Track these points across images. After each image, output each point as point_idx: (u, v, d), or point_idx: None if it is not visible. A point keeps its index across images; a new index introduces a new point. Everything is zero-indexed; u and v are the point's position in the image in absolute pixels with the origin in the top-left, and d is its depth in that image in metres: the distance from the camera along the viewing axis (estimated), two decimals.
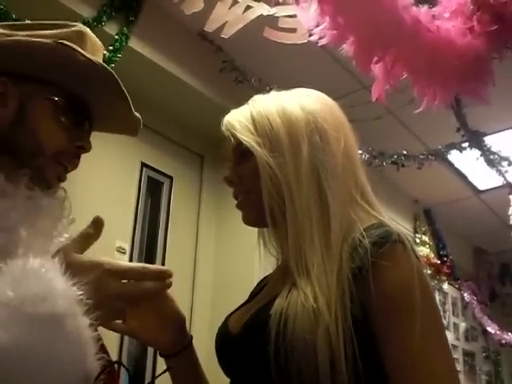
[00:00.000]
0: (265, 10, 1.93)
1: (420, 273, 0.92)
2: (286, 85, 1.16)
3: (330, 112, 1.08)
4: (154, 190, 3.14)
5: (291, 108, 1.06)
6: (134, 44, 2.66)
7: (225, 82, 3.01)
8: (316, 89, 1.14)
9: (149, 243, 3.04)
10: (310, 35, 1.67)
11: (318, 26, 1.63)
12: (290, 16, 1.83)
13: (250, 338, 0.97)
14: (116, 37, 2.54)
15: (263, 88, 2.59)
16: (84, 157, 1.09)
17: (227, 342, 1.06)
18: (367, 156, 3.21)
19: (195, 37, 2.92)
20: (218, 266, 3.30)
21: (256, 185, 1.04)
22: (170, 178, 3.23)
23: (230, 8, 1.91)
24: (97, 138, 1.11)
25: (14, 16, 2.21)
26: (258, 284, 1.24)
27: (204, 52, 2.98)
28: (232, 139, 1.08)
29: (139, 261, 2.92)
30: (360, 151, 1.13)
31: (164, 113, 3.11)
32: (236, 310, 1.14)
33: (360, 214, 1.01)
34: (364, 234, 0.94)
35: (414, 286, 0.89)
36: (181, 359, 1.11)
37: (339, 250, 0.95)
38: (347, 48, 1.62)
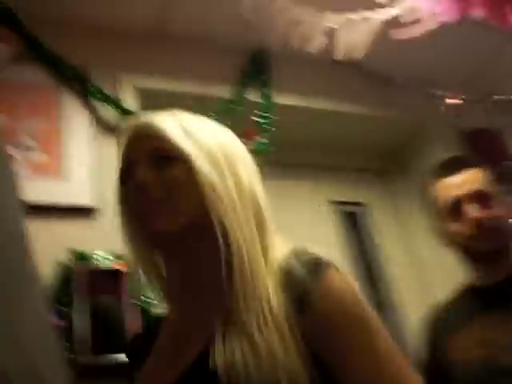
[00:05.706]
0: (387, 14, 1.90)
1: (357, 294, 0.93)
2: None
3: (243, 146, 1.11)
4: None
5: (219, 130, 1.09)
6: (279, 99, 2.67)
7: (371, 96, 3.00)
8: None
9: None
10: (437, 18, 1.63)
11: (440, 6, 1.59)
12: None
13: None
14: (261, 101, 2.59)
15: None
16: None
17: None
18: None
19: (330, 65, 2.79)
20: None
21: (176, 193, 0.98)
22: (363, 206, 3.19)
23: (350, 28, 1.92)
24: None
25: None
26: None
27: (345, 75, 2.95)
28: (157, 141, 1.01)
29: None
30: None
31: (335, 147, 3.09)
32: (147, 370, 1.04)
33: (276, 241, 1.01)
34: (294, 262, 0.93)
35: (357, 308, 0.91)
36: None
37: (279, 279, 0.92)
38: (477, 13, 1.55)
